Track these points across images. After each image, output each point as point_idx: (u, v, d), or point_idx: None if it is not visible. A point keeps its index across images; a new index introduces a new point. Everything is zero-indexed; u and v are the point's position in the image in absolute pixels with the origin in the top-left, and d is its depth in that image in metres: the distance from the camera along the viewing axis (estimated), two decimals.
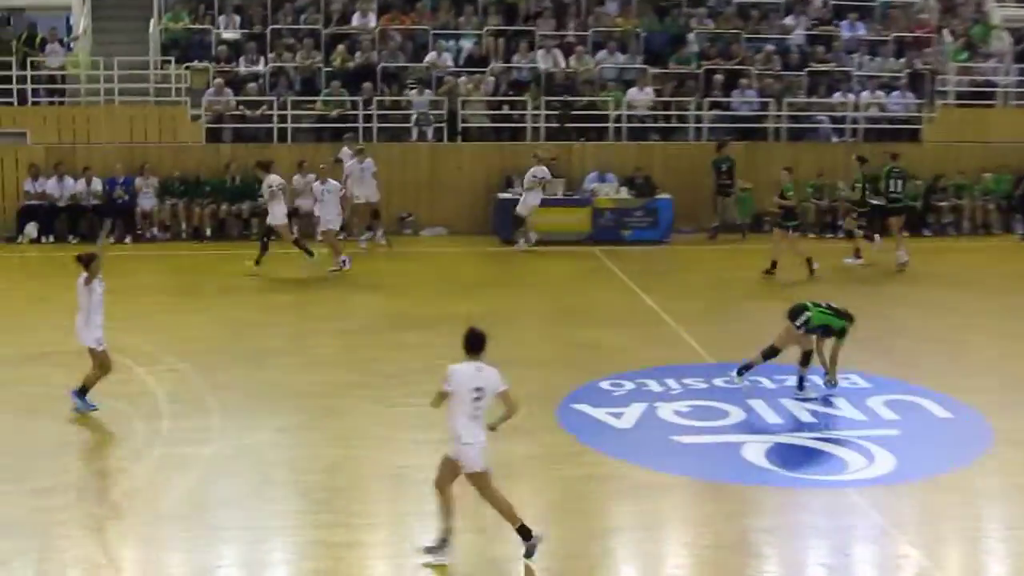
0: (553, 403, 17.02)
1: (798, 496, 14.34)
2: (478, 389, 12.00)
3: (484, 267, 27.13)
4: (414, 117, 30.52)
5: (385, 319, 21.76)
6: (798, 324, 17.19)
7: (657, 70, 32.00)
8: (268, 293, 24.02)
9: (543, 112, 30.75)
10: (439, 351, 19.33)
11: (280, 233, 25.47)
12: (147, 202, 29.05)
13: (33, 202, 28.90)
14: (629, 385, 17.88)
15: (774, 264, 25.27)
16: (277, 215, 25.33)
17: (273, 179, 25.42)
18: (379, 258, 27.49)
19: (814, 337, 17.35)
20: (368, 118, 30.10)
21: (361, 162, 27.91)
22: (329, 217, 25.64)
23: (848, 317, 17.35)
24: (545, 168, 28.33)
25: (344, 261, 25.36)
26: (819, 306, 17.31)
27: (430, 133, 30.57)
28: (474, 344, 12.12)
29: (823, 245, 27.83)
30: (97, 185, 28.93)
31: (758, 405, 17.06)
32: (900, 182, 27.27)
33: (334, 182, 25.99)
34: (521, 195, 28.24)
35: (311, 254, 25.44)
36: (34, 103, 30.04)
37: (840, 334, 17.32)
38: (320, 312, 22.52)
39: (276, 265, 25.40)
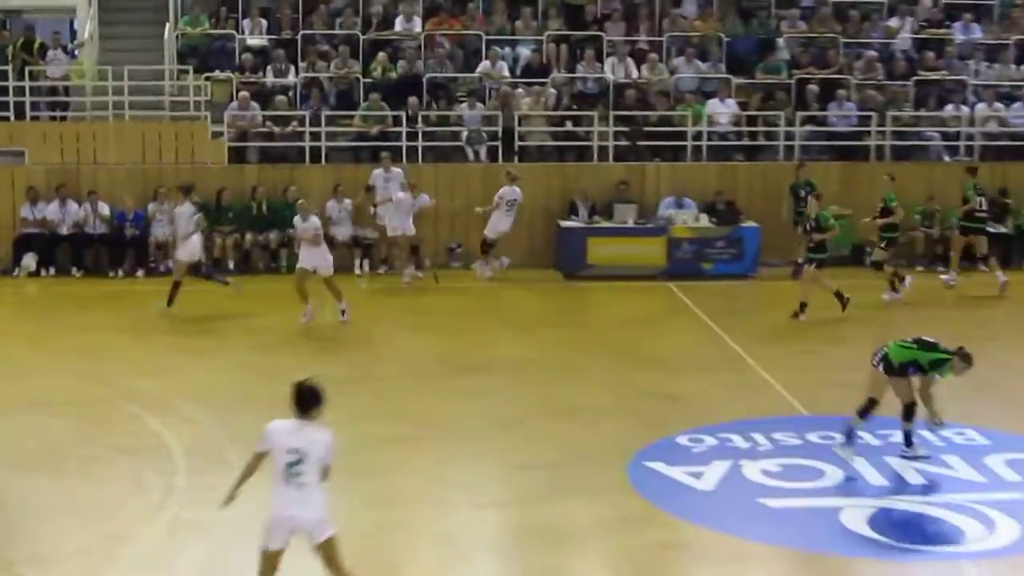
0: (623, 460, 16.95)
1: (906, 569, 14.22)
2: (294, 451, 11.56)
3: (545, 304, 27.15)
4: (465, 134, 30.63)
5: (433, 363, 21.78)
6: (874, 362, 16.99)
7: (742, 80, 32.02)
8: (298, 335, 24.03)
9: (611, 128, 30.83)
10: (497, 400, 19.53)
11: (180, 268, 25.45)
12: (161, 231, 29.01)
13: (31, 230, 29.02)
14: (710, 440, 17.80)
15: (840, 296, 25.09)
16: (194, 250, 25.40)
17: (191, 208, 25.48)
18: (425, 294, 27.55)
19: (908, 380, 16.93)
20: (412, 136, 30.20)
21: (415, 197, 28.08)
22: (318, 263, 24.52)
23: (941, 349, 16.75)
24: (517, 188, 28.61)
25: (308, 313, 24.33)
26: (903, 342, 16.99)
27: (483, 152, 30.63)
28: (300, 402, 11.63)
29: (932, 280, 27.68)
30: (104, 210, 29.02)
31: (859, 464, 16.91)
32: (984, 200, 27.79)
33: (315, 218, 24.96)
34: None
35: (226, 283, 26.17)
36: (33, 118, 30.37)
37: (929, 368, 16.78)
38: (357, 356, 22.54)
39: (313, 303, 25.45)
